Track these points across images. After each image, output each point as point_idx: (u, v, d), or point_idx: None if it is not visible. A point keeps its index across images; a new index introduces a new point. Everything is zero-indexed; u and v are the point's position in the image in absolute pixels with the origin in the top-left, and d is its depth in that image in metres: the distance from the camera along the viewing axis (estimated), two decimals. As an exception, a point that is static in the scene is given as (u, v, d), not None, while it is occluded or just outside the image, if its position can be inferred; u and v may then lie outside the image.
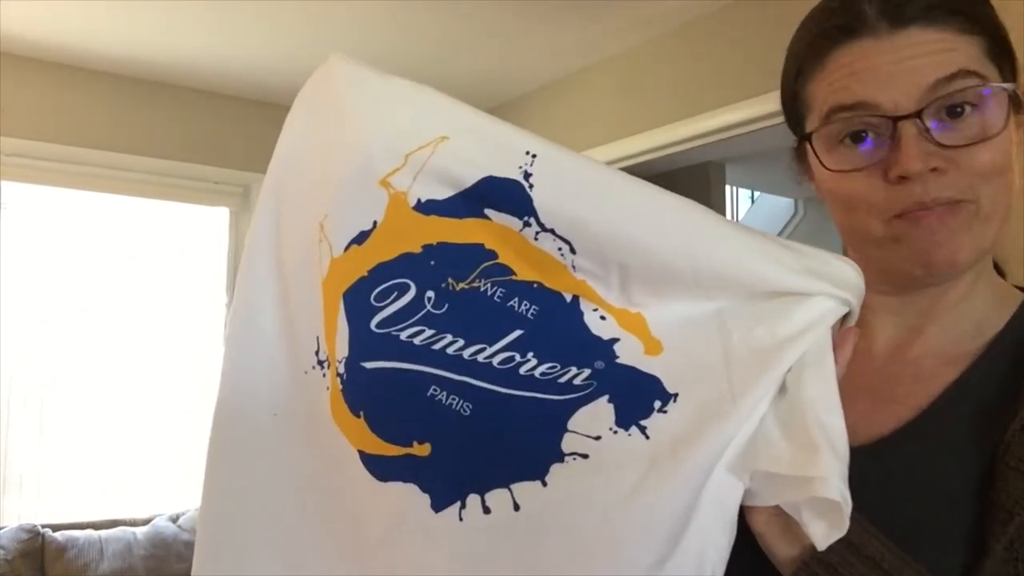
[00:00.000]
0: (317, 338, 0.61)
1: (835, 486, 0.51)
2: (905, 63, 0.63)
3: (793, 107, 0.72)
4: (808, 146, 0.69)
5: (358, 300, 0.59)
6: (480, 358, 0.57)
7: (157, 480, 3.80)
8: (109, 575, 3.17)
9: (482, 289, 0.58)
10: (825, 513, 0.53)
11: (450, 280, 0.59)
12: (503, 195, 0.59)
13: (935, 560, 0.60)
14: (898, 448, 0.66)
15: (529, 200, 0.58)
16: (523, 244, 0.58)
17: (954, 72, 0.62)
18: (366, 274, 0.59)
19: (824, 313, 0.55)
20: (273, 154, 0.66)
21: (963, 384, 0.68)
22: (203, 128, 3.98)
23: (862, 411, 0.69)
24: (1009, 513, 0.59)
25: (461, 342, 0.57)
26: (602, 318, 0.57)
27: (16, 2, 3.07)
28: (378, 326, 0.58)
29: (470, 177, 0.59)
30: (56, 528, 3.24)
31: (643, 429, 0.55)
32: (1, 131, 3.46)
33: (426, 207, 0.60)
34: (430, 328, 0.58)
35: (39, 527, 3.19)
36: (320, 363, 0.62)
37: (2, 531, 3.14)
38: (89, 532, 3.28)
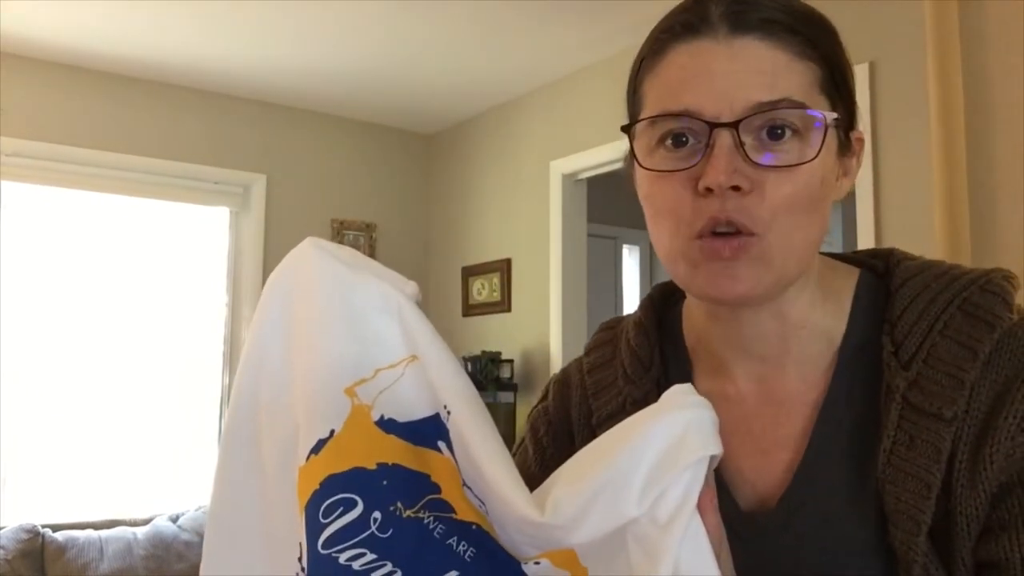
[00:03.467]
0: (300, 544, 0.60)
1: None
2: (736, 75, 0.62)
3: (633, 101, 0.70)
4: (629, 142, 0.68)
5: (312, 514, 0.57)
6: None
7: (157, 480, 3.81)
8: (109, 575, 3.17)
9: (425, 521, 0.57)
10: None
11: (399, 504, 0.57)
12: (447, 435, 0.60)
13: None
14: (799, 506, 0.67)
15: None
16: (462, 486, 0.59)
17: (779, 99, 0.61)
18: (318, 486, 0.58)
19: (690, 484, 0.53)
20: (246, 346, 0.64)
21: (828, 411, 0.68)
22: (203, 128, 3.99)
23: (752, 465, 0.70)
24: (907, 561, 0.60)
25: (399, 573, 0.55)
26: (536, 563, 0.57)
27: (16, 2, 3.07)
28: (323, 546, 0.56)
29: (425, 409, 0.60)
30: (56, 528, 3.24)
31: None
32: (1, 131, 3.46)
33: (387, 425, 0.59)
34: (372, 552, 0.56)
35: (39, 527, 3.19)
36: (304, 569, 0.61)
37: (2, 531, 3.14)
38: (89, 532, 3.28)
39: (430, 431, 0.60)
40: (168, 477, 3.84)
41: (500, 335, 4.03)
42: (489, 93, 4.07)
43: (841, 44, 0.68)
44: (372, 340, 0.61)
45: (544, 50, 3.53)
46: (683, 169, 0.63)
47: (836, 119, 0.64)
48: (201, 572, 0.64)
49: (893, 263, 0.72)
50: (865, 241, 2.61)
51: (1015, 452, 0.59)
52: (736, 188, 0.61)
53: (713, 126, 0.61)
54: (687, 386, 0.57)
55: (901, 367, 0.64)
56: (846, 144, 0.67)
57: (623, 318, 0.86)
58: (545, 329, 3.80)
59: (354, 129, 4.42)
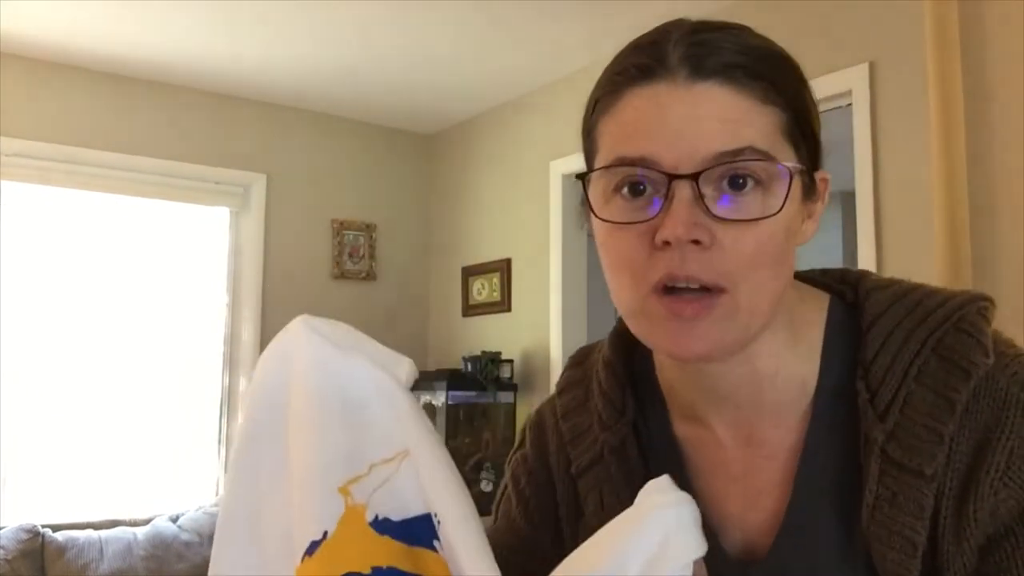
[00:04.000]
0: None
1: None
2: (695, 123, 0.59)
3: (587, 143, 0.67)
4: (584, 190, 0.65)
5: None
6: None
7: (157, 480, 3.80)
8: (109, 575, 3.17)
9: None
10: None
11: None
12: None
13: None
14: (789, 557, 0.66)
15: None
16: None
17: (740, 148, 0.58)
18: None
19: None
20: (239, 433, 0.63)
21: (808, 459, 0.67)
22: (203, 128, 3.99)
23: (738, 510, 0.69)
24: None
25: None
26: None
27: (16, 2, 3.07)
28: None
29: (420, 507, 0.59)
30: (56, 528, 3.24)
31: None
32: (1, 131, 3.46)
33: (382, 526, 0.58)
34: None
35: (39, 527, 3.19)
36: None
37: (2, 531, 3.14)
38: (89, 532, 3.28)
39: (424, 530, 0.58)
40: (168, 477, 3.84)
41: (500, 335, 4.03)
42: (489, 93, 4.07)
43: (805, 82, 0.64)
44: (366, 432, 0.59)
45: (544, 50, 3.53)
46: (641, 221, 0.60)
47: (800, 167, 0.61)
48: None
49: (862, 294, 0.69)
50: (865, 241, 2.61)
51: (999, 508, 0.58)
52: (696, 242, 0.58)
53: (672, 177, 0.58)
54: (664, 480, 0.56)
55: (878, 418, 0.62)
56: (811, 187, 0.64)
57: (591, 351, 0.82)
58: (545, 329, 3.80)
59: (354, 129, 4.42)
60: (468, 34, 3.39)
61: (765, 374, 0.67)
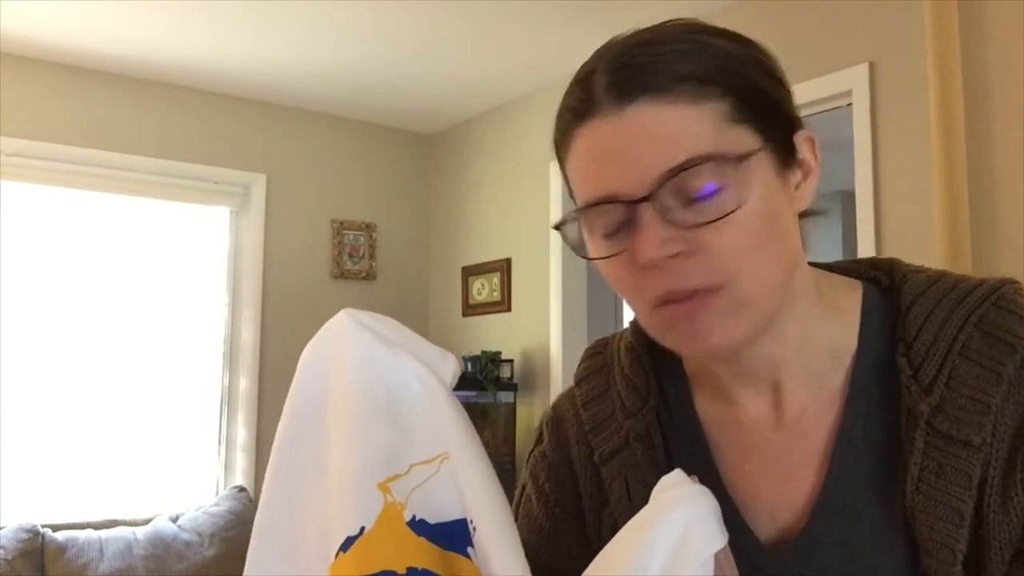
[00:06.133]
0: None
1: None
2: (634, 148, 0.59)
3: (565, 177, 0.68)
4: (577, 226, 0.66)
5: None
6: None
7: (157, 480, 3.80)
8: (109, 575, 3.17)
9: None
10: None
11: None
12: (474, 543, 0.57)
13: None
14: (822, 537, 0.66)
15: None
16: None
17: (683, 161, 0.58)
18: None
19: None
20: (282, 422, 0.62)
21: (846, 435, 0.67)
22: (203, 128, 3.99)
23: (771, 493, 0.69)
24: None
25: None
26: None
27: (16, 2, 3.07)
28: None
29: (456, 511, 0.58)
30: (56, 528, 3.24)
31: None
32: (1, 131, 3.46)
33: (419, 527, 0.57)
34: None
35: (39, 527, 3.19)
36: None
37: (2, 531, 3.14)
38: (89, 532, 3.28)
39: (459, 535, 0.57)
40: (168, 477, 3.83)
41: (500, 335, 4.03)
42: (489, 93, 4.07)
43: (752, 56, 0.63)
44: (408, 431, 0.59)
45: (544, 50, 3.53)
46: (620, 252, 0.62)
47: (755, 148, 0.60)
48: None
49: (898, 277, 0.70)
50: (865, 241, 2.61)
51: None
52: (677, 255, 0.59)
53: (630, 204, 0.59)
54: (677, 475, 0.55)
55: (923, 392, 0.63)
56: (789, 154, 0.64)
57: (609, 340, 0.83)
58: (545, 329, 3.80)
59: (354, 129, 4.42)
60: (468, 34, 3.39)
61: (794, 347, 0.68)
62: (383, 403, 0.59)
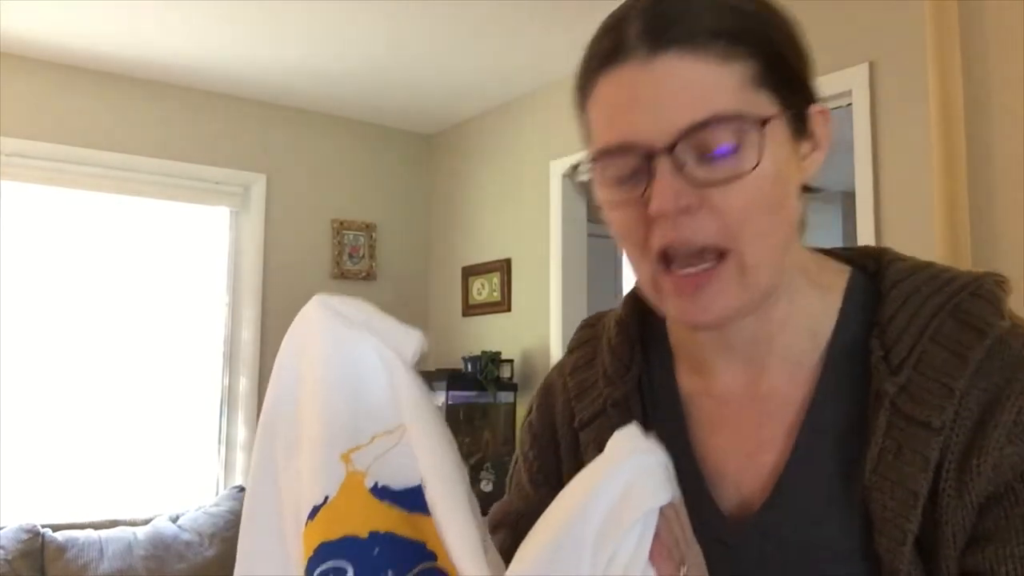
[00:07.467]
0: None
1: None
2: (660, 99, 0.60)
3: (582, 128, 0.69)
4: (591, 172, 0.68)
5: None
6: None
7: (157, 480, 3.80)
8: (109, 575, 3.17)
9: None
10: None
11: (389, 572, 0.57)
12: None
13: None
14: (783, 510, 0.66)
15: None
16: None
17: (707, 118, 0.59)
18: (312, 553, 0.58)
19: (639, 540, 0.52)
20: (263, 410, 0.65)
21: (815, 413, 0.67)
22: (203, 128, 3.99)
23: (736, 466, 0.70)
24: (892, 569, 0.60)
25: None
26: None
27: (16, 2, 3.07)
28: None
29: (416, 478, 0.60)
30: (56, 528, 3.24)
31: None
32: (1, 131, 3.46)
33: (381, 492, 0.59)
34: None
35: (39, 527, 3.18)
36: None
37: (2, 531, 3.14)
38: (89, 532, 3.28)
39: (422, 499, 0.59)
40: (168, 477, 3.84)
41: (500, 335, 4.03)
42: (489, 93, 4.07)
43: (779, 25, 0.64)
44: (370, 405, 0.61)
45: (544, 50, 3.53)
46: (632, 199, 0.62)
47: (774, 113, 0.62)
48: None
49: (884, 263, 0.71)
50: (865, 241, 2.61)
51: (1002, 463, 0.59)
52: (687, 209, 0.60)
53: (650, 154, 0.60)
54: (631, 430, 0.56)
55: (891, 372, 0.64)
56: (802, 124, 0.65)
57: (604, 315, 0.85)
58: (545, 329, 3.80)
59: (354, 129, 4.42)
60: (468, 34, 3.39)
61: (777, 324, 0.69)
62: (346, 379, 0.61)
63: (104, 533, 3.30)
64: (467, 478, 0.61)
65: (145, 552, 3.28)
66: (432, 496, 0.59)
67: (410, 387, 0.62)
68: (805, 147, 0.66)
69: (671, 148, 0.59)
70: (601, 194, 0.66)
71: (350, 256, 4.31)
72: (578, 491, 0.54)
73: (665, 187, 0.60)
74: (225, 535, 3.46)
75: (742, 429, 0.70)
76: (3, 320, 3.52)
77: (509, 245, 4.07)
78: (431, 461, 0.60)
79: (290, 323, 0.64)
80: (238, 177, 4.06)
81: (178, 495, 3.78)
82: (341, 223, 4.31)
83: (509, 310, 4.03)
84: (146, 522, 3.45)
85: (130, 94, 3.81)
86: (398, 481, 0.59)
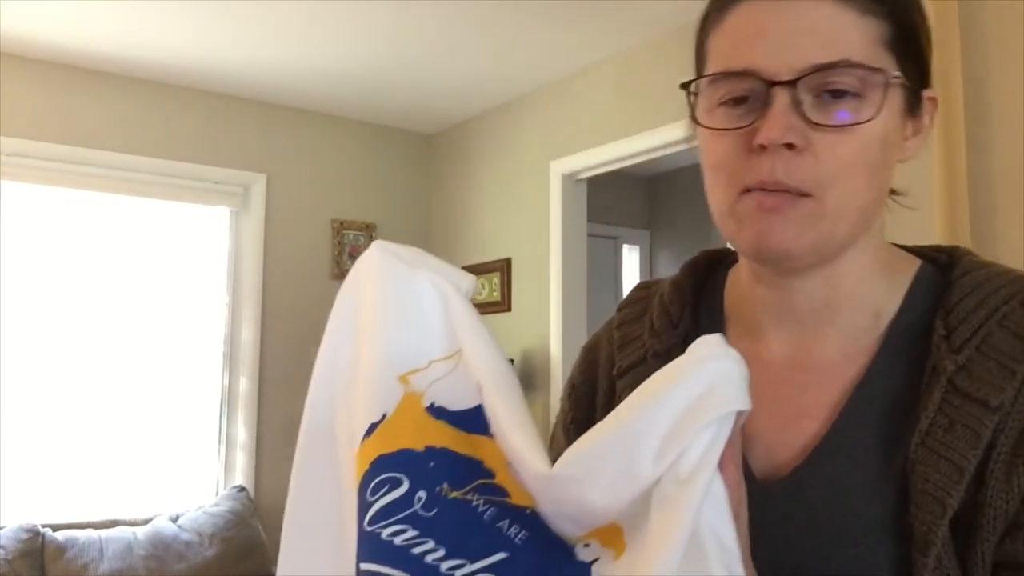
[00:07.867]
0: None
1: None
2: (794, 35, 0.61)
3: (697, 58, 0.70)
4: (690, 97, 0.69)
5: (362, 493, 0.59)
6: (457, 574, 0.55)
7: (157, 480, 3.81)
8: (109, 575, 3.17)
9: (474, 504, 0.58)
10: None
11: (445, 486, 0.58)
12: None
13: None
14: (815, 477, 0.66)
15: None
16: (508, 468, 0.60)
17: (836, 61, 0.60)
18: (368, 466, 0.60)
19: (713, 440, 0.52)
20: (320, 351, 0.67)
21: (865, 386, 0.67)
22: (203, 128, 3.99)
23: (771, 432, 0.69)
24: (926, 542, 0.59)
25: (442, 551, 0.56)
26: (586, 544, 0.56)
27: (16, 2, 3.07)
28: (368, 523, 0.58)
29: (476, 399, 0.62)
30: (56, 528, 3.24)
31: None
32: (1, 131, 3.47)
33: (437, 412, 0.61)
34: (413, 528, 0.57)
35: (39, 527, 3.19)
36: None
37: (2, 531, 3.14)
38: (89, 532, 3.28)
39: (480, 419, 0.61)
40: (168, 477, 3.84)
41: (500, 335, 4.00)
42: (489, 93, 4.07)
43: (918, 1, 0.66)
44: (426, 332, 0.64)
45: (544, 50, 3.53)
46: (740, 127, 0.63)
47: (898, 77, 0.63)
48: (278, 572, 0.66)
49: (957, 256, 0.71)
50: (865, 241, 2.61)
51: None
52: (790, 146, 0.61)
53: (771, 84, 0.61)
54: (717, 336, 0.55)
55: (951, 351, 0.63)
56: (915, 103, 0.66)
57: (660, 280, 0.85)
58: (545, 329, 3.80)
59: (354, 129, 4.42)
60: (468, 34, 3.39)
61: (843, 295, 0.69)
62: (404, 308, 0.64)
63: (104, 533, 3.30)
64: (522, 399, 0.62)
65: (145, 552, 3.28)
66: (492, 404, 0.60)
67: (465, 314, 0.64)
68: (909, 128, 0.67)
69: (794, 83, 0.60)
70: (703, 118, 0.66)
71: (350, 256, 4.31)
72: (654, 386, 0.54)
73: (779, 117, 0.60)
74: (225, 535, 3.46)
75: (783, 396, 0.70)
76: (3, 320, 3.52)
77: (509, 245, 4.07)
78: (490, 377, 0.61)
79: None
80: (238, 177, 4.06)
81: (178, 495, 3.78)
82: (341, 223, 4.31)
83: (509, 310, 4.03)
84: (146, 522, 3.46)
85: (130, 94, 3.81)
86: (454, 403, 0.61)
